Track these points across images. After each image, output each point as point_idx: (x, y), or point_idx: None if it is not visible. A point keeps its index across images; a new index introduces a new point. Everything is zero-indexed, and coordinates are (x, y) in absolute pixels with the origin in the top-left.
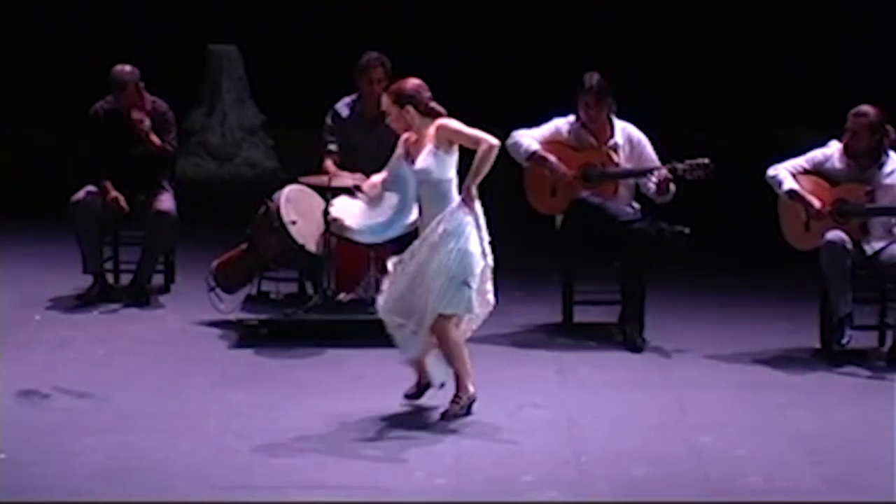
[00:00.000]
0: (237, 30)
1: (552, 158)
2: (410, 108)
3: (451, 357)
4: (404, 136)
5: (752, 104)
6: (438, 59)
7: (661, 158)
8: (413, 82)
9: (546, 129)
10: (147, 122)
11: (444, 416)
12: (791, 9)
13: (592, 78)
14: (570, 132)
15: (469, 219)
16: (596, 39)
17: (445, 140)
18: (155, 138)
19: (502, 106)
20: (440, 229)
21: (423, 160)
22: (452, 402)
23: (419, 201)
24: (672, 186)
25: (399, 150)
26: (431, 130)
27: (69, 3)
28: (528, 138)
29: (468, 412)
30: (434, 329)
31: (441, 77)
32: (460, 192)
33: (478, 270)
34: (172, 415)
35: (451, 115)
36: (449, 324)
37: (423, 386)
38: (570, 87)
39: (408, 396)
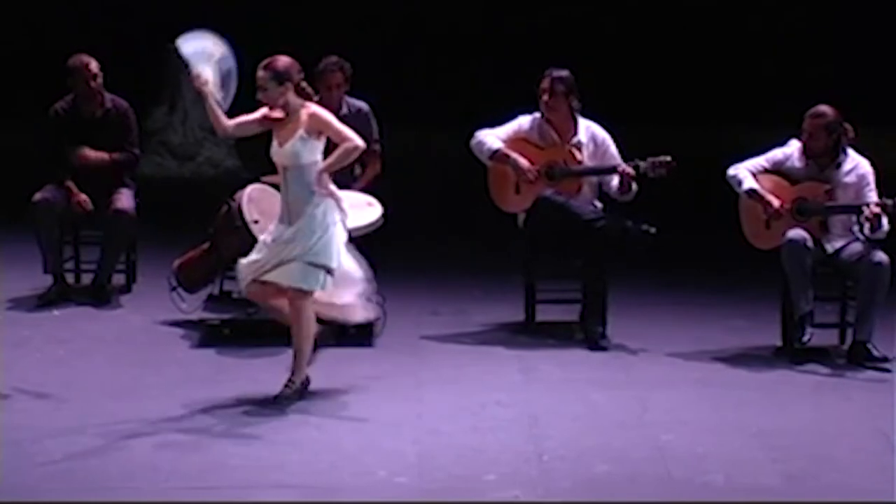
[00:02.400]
0: (199, 28)
1: (514, 155)
2: (290, 86)
3: (299, 334)
4: (273, 113)
5: (713, 104)
6: (404, 60)
7: (624, 157)
8: (287, 59)
9: (509, 128)
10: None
11: (276, 399)
12: (751, 6)
13: (555, 69)
14: (532, 128)
15: (337, 216)
16: (564, 39)
17: (316, 130)
18: (105, 158)
19: (469, 107)
20: (310, 214)
21: (293, 144)
22: (286, 385)
23: (285, 185)
24: (634, 185)
25: (259, 119)
26: (303, 116)
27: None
28: (492, 137)
29: (301, 396)
30: (292, 303)
31: (407, 78)
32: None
33: (340, 260)
34: (133, 415)
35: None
36: (307, 301)
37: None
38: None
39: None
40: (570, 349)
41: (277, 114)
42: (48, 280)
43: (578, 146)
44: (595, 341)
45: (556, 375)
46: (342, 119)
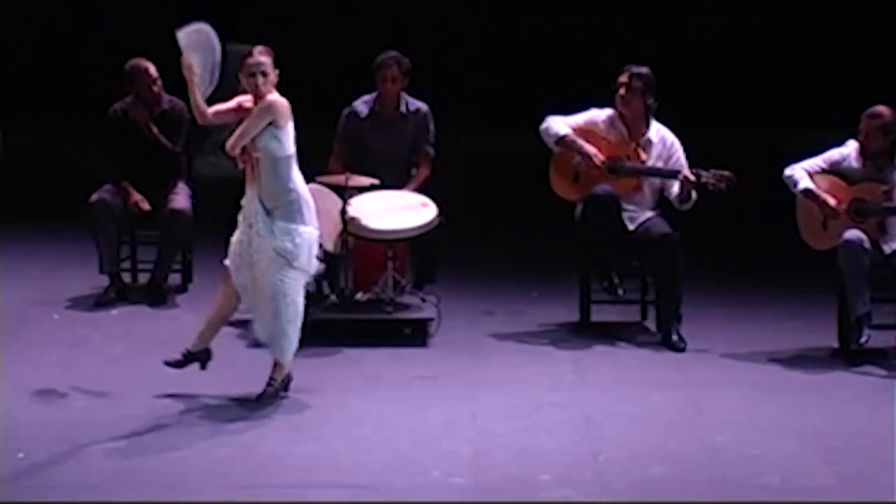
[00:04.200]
0: (256, 29)
1: (581, 142)
2: (277, 72)
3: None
4: (245, 103)
5: (770, 103)
6: (460, 57)
7: (689, 166)
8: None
9: (581, 117)
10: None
11: (259, 398)
12: (809, 9)
13: (635, 67)
14: (604, 122)
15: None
16: (618, 39)
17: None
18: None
19: (525, 105)
20: (285, 210)
21: (262, 137)
22: (268, 384)
23: (258, 177)
24: (694, 194)
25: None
26: (271, 101)
27: (87, 3)
28: (561, 123)
29: (286, 390)
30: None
31: (465, 74)
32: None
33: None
34: (188, 414)
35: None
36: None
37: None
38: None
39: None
40: (626, 350)
41: (250, 104)
42: (105, 280)
43: (646, 145)
44: (672, 341)
45: (611, 376)
46: (399, 116)
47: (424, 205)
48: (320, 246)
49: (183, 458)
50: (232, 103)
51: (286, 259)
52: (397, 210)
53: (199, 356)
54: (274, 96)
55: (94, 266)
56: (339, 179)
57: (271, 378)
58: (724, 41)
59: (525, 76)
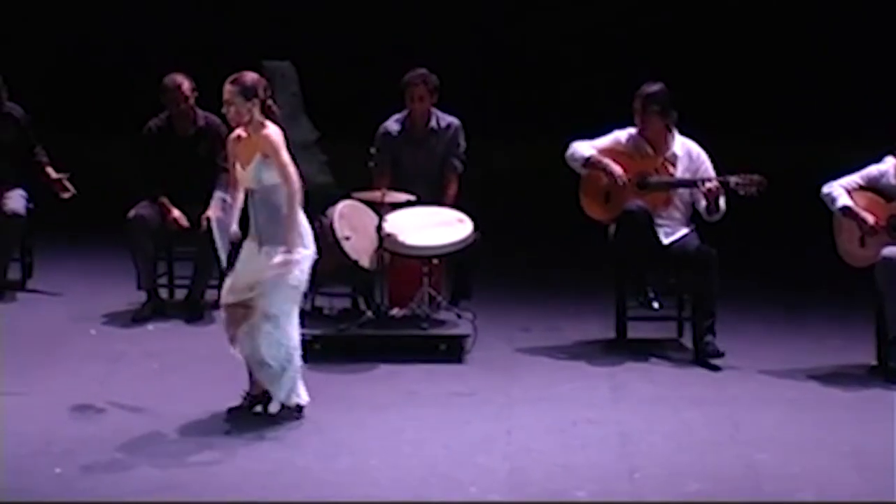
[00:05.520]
0: (291, 45)
1: (607, 161)
2: (256, 102)
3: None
4: (235, 134)
5: (808, 119)
6: (491, 75)
7: (718, 175)
8: (254, 75)
9: (605, 139)
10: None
11: (229, 411)
12: (847, 24)
13: (647, 86)
14: (628, 141)
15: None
16: (649, 50)
17: (268, 153)
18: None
19: (560, 123)
20: (281, 238)
21: (254, 167)
22: (243, 397)
23: (253, 207)
24: (722, 203)
25: (228, 148)
26: (261, 137)
27: (124, 19)
28: (585, 146)
29: (265, 409)
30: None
31: (500, 90)
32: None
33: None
34: (224, 430)
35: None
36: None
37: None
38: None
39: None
40: (662, 366)
41: (240, 132)
42: (142, 296)
43: (673, 159)
44: (709, 358)
45: (648, 392)
46: (430, 132)
47: (461, 221)
48: (356, 263)
49: (220, 472)
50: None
51: (282, 282)
52: (433, 226)
53: (261, 398)
54: (268, 130)
55: (131, 282)
56: (375, 196)
57: (247, 392)
58: (759, 58)
59: (559, 92)
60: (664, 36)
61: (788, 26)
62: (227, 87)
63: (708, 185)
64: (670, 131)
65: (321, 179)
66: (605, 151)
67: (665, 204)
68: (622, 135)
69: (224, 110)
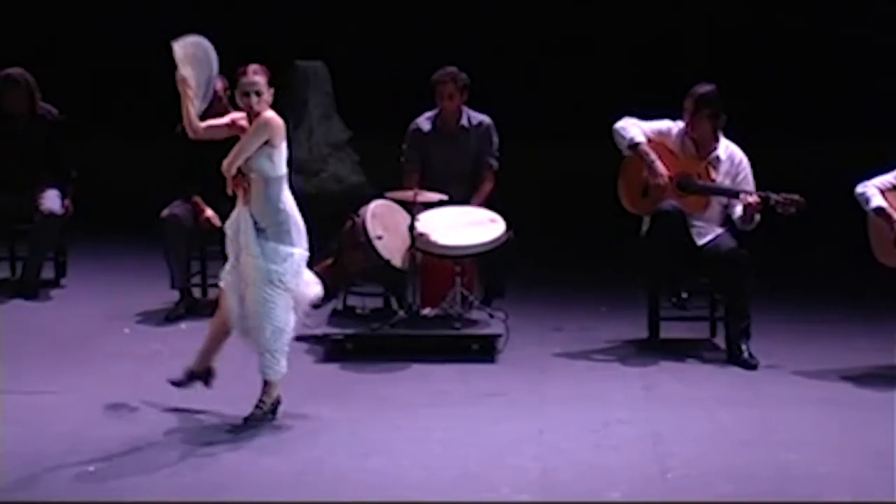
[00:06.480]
0: (325, 45)
1: (654, 156)
2: (272, 91)
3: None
4: (240, 120)
5: (842, 119)
6: (527, 74)
7: (758, 187)
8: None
9: (657, 125)
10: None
11: (246, 421)
12: (881, 24)
13: (700, 87)
14: (676, 137)
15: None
16: (687, 54)
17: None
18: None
19: (601, 121)
20: (276, 231)
21: (255, 156)
22: (257, 406)
23: (250, 197)
24: (758, 217)
25: (228, 124)
26: (268, 118)
27: (157, 20)
28: (637, 128)
29: (273, 415)
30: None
31: (533, 90)
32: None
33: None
34: (258, 429)
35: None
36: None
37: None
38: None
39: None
40: (694, 366)
41: (244, 122)
42: (175, 295)
43: (715, 162)
44: (742, 358)
45: (680, 393)
46: (461, 130)
47: (493, 220)
48: (388, 262)
49: (251, 472)
50: (226, 119)
51: (273, 280)
52: (465, 226)
53: (201, 375)
54: (270, 114)
55: (164, 281)
56: (407, 195)
57: (261, 400)
58: (794, 57)
59: (594, 92)
60: (698, 37)
61: (822, 26)
62: (256, 78)
63: (749, 198)
64: (717, 135)
65: (354, 179)
66: (653, 143)
67: (702, 208)
68: (673, 128)
69: (248, 101)
